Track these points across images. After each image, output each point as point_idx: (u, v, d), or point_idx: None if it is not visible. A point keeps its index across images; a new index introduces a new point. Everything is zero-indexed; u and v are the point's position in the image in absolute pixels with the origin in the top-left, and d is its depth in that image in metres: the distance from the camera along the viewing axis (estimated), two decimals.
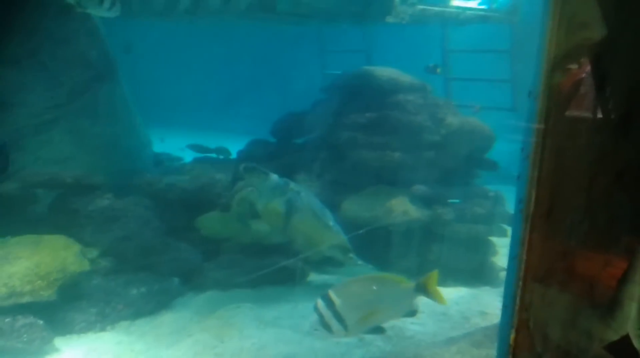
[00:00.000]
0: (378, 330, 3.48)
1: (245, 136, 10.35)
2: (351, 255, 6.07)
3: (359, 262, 6.24)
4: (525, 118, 2.42)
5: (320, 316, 3.25)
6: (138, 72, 10.94)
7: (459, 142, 7.47)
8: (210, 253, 6.56)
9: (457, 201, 7.47)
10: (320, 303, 3.24)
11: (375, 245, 7.28)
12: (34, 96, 7.39)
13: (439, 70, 8.98)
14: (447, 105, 7.77)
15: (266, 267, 6.54)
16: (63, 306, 5.16)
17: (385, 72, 7.88)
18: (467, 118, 7.69)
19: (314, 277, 6.82)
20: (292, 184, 5.67)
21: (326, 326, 3.26)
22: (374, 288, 3.40)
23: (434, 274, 3.59)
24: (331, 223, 5.87)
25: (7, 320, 4.70)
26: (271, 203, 5.62)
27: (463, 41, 10.18)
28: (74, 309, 5.21)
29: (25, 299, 4.80)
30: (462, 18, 8.19)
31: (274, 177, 5.57)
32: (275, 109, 9.85)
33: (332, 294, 3.23)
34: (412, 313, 3.59)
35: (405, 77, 7.85)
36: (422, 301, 6.37)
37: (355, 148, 7.45)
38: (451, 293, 6.75)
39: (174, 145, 10.09)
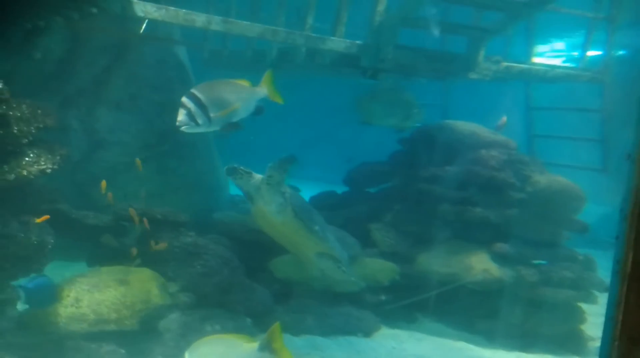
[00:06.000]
0: None
1: (318, 182, 10.53)
2: (343, 268, 5.77)
3: (353, 278, 5.94)
4: (622, 180, 2.38)
5: None
6: None
7: (547, 201, 7.16)
8: (281, 295, 6.63)
9: (543, 262, 7.11)
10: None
11: (451, 303, 7.03)
12: (128, 136, 7.99)
13: (504, 119, 8.71)
14: (534, 162, 7.55)
15: (336, 315, 6.51)
16: (143, 337, 5.34)
17: (466, 126, 7.85)
18: (556, 177, 7.39)
19: (385, 330, 6.69)
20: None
21: None
22: (220, 350, 3.36)
23: (277, 330, 3.30)
24: (317, 227, 5.58)
25: (92, 345, 4.95)
26: (260, 203, 5.49)
27: (541, 98, 9.96)
28: (153, 340, 5.38)
29: (111, 327, 5.03)
30: (550, 76, 8.01)
31: (257, 176, 5.48)
32: (349, 158, 10.00)
33: (187, 355, 3.32)
34: None
35: (487, 133, 7.78)
36: None
37: (433, 201, 7.37)
38: None
39: None
